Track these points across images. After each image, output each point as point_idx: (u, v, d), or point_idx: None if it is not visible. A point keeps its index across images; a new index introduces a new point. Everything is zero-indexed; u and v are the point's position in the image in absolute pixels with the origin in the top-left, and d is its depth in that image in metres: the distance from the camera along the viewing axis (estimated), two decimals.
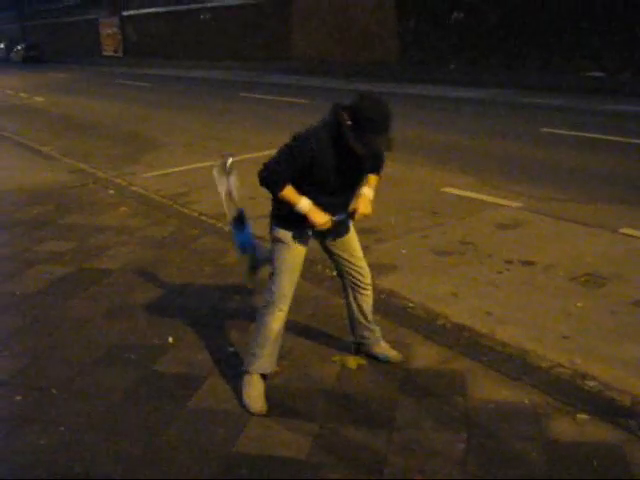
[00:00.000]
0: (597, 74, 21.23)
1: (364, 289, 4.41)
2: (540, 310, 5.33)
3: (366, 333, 4.54)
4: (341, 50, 31.51)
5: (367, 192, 4.14)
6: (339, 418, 3.93)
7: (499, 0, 24.23)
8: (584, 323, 5.09)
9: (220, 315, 5.38)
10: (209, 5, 41.10)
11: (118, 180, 10.23)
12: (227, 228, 4.55)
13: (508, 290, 5.74)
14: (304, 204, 3.85)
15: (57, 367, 4.64)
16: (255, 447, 3.70)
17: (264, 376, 4.18)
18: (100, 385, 4.38)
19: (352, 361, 4.54)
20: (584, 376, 4.29)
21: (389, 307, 5.42)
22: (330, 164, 3.77)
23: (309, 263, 4.53)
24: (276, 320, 4.10)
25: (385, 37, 29.49)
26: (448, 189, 8.93)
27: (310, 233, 4.07)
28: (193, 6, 42.37)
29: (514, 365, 4.45)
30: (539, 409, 3.96)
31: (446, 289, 5.78)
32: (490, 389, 4.18)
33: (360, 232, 7.01)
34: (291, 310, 5.10)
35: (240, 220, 4.68)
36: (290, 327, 5.01)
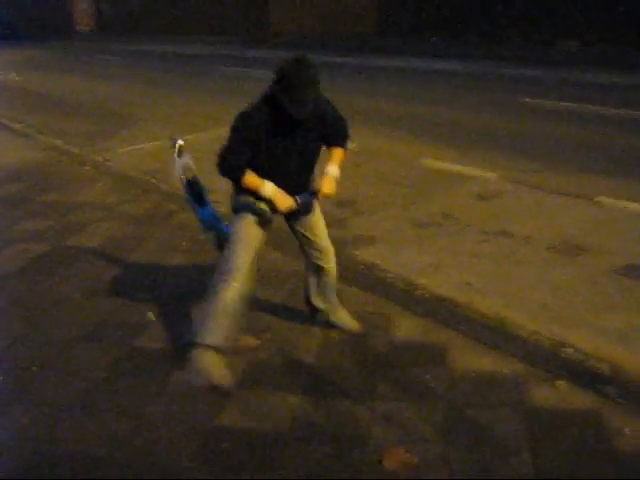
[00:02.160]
0: (572, 44, 21.26)
1: (326, 270, 4.37)
2: (519, 280, 5.36)
3: (318, 308, 4.53)
4: (320, 24, 31.30)
5: (331, 170, 4.06)
6: (320, 391, 3.94)
7: None
8: (563, 292, 5.13)
9: (199, 290, 5.35)
10: None
11: (94, 156, 10.12)
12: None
13: (487, 261, 5.76)
14: (267, 188, 3.86)
15: (38, 346, 4.61)
16: (237, 421, 3.71)
17: (216, 349, 3.94)
18: (81, 363, 4.36)
19: (333, 334, 4.54)
20: (563, 344, 4.33)
21: (368, 279, 5.42)
22: (277, 136, 3.77)
23: (288, 237, 4.51)
24: (230, 290, 3.89)
25: (364, 10, 29.32)
26: (427, 161, 8.92)
27: (271, 213, 4.01)
28: None
29: (493, 334, 4.48)
30: (519, 377, 3.99)
31: (425, 260, 5.79)
32: (470, 359, 4.20)
33: (339, 205, 7.06)
34: (271, 285, 5.11)
35: (200, 197, 4.61)
36: (270, 302, 5.03)
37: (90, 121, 13.53)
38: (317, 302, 4.52)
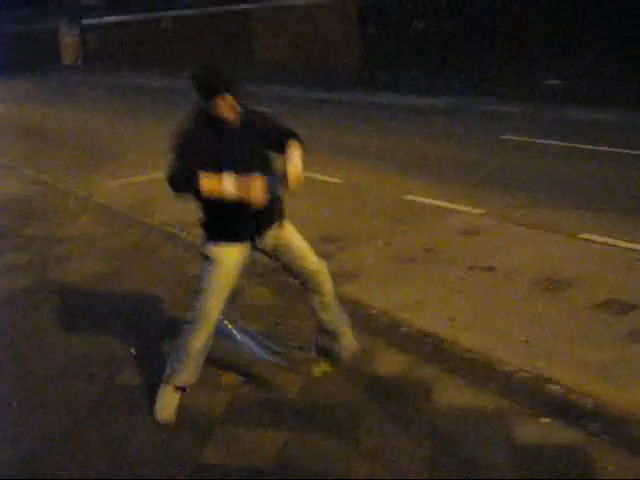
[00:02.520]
0: (554, 82, 21.51)
1: (323, 291, 4.28)
2: (503, 315, 5.38)
3: (332, 326, 4.40)
4: (303, 58, 31.54)
5: (292, 153, 3.85)
6: (305, 426, 3.93)
7: (458, 9, 24.45)
8: (546, 327, 5.14)
9: (182, 325, 5.34)
10: (170, 14, 40.88)
11: (79, 190, 10.11)
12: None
13: (471, 296, 5.78)
14: (228, 182, 3.59)
15: (18, 380, 4.57)
16: (221, 457, 3.68)
17: (183, 389, 4.11)
18: (62, 398, 4.33)
19: (317, 370, 4.53)
20: (547, 380, 4.34)
21: (353, 314, 5.40)
22: (217, 150, 3.72)
23: (271, 272, 4.51)
24: (199, 339, 3.99)
25: (347, 45, 29.58)
26: (410, 196, 8.97)
27: (242, 246, 3.95)
28: (153, 15, 42.11)
29: (478, 370, 4.48)
30: (503, 413, 3.99)
31: (409, 296, 5.80)
32: (454, 394, 4.20)
33: (323, 240, 7.08)
34: (255, 320, 5.10)
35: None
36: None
37: (75, 154, 13.54)
38: (327, 326, 4.38)
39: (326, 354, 4.52)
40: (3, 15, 60.53)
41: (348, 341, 4.48)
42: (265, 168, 3.86)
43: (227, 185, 3.59)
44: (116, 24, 46.30)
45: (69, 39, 53.04)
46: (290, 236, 4.16)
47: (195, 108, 3.87)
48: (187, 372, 4.05)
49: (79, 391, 4.40)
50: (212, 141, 3.75)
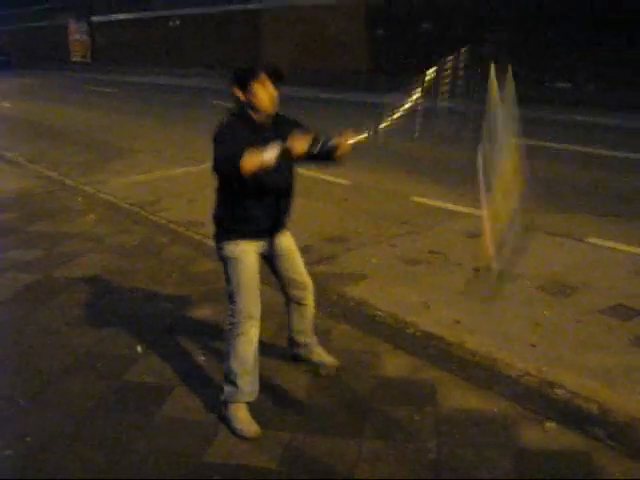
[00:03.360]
0: (563, 85, 21.49)
1: (305, 305, 4.36)
2: (508, 319, 5.37)
3: (301, 344, 4.51)
4: (311, 59, 31.57)
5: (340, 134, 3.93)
6: (308, 428, 3.92)
7: (467, 11, 24.46)
8: (552, 332, 5.14)
9: (189, 323, 5.35)
10: (178, 13, 40.96)
11: (86, 187, 10.13)
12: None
13: (476, 299, 5.77)
14: (271, 149, 3.48)
15: (25, 377, 4.58)
16: (225, 457, 3.68)
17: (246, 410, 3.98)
18: (69, 395, 4.33)
19: (321, 372, 4.53)
20: (552, 384, 4.33)
21: (358, 316, 5.42)
22: (249, 137, 3.67)
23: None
24: (247, 343, 3.93)
25: (355, 47, 29.61)
26: (417, 198, 8.97)
27: (258, 248, 3.99)
28: (162, 13, 42.20)
29: (483, 374, 4.48)
30: (508, 417, 3.98)
31: (415, 298, 5.80)
32: (459, 398, 4.20)
33: (329, 241, 7.08)
34: (263, 319, 5.09)
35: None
36: (259, 337, 5.01)
37: (82, 151, 13.58)
38: (300, 338, 4.50)
39: (308, 362, 4.58)
40: (12, 11, 60.76)
41: (328, 358, 4.55)
42: (291, 172, 3.97)
43: (269, 151, 3.47)
44: (125, 22, 46.40)
45: (78, 36, 53.17)
46: (292, 246, 4.23)
47: (231, 110, 3.88)
48: (250, 385, 3.97)
49: (84, 389, 4.40)
50: (248, 138, 3.67)
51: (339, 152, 3.86)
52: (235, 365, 3.94)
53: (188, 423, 4.00)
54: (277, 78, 3.81)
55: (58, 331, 5.26)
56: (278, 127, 3.85)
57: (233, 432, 3.90)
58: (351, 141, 3.90)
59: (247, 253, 3.95)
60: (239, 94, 3.80)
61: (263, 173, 3.53)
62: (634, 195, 8.92)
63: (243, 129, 3.77)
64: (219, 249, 4.01)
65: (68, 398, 4.29)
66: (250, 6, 34.81)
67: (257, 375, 4.02)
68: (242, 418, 3.93)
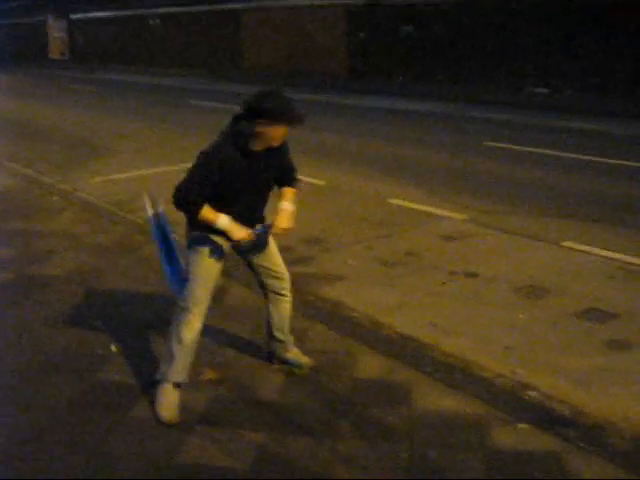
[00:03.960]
0: (541, 90, 21.64)
1: (283, 295, 4.42)
2: (483, 321, 5.40)
3: (280, 340, 4.54)
4: (292, 61, 31.55)
5: (286, 206, 4.19)
6: (282, 428, 3.92)
7: (447, 16, 24.54)
8: (526, 334, 5.17)
9: (165, 323, 5.32)
10: (158, 12, 40.75)
11: (63, 186, 10.05)
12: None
13: (452, 301, 5.80)
14: (223, 221, 3.90)
15: None
16: (197, 457, 3.67)
17: (178, 385, 4.11)
18: (43, 395, 4.30)
19: (296, 371, 4.53)
20: (525, 387, 4.36)
21: (334, 317, 5.43)
22: (238, 172, 3.87)
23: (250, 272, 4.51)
24: (190, 329, 4.06)
25: (335, 50, 29.62)
26: (394, 200, 8.99)
27: (225, 246, 4.08)
28: (142, 11, 41.96)
29: (457, 375, 4.50)
30: (481, 419, 4.00)
31: (391, 299, 5.82)
32: (434, 399, 4.22)
33: (306, 242, 7.08)
34: (236, 320, 5.10)
35: (169, 248, 4.40)
36: (235, 337, 5.02)
37: (60, 149, 13.47)
38: (278, 335, 4.52)
39: (282, 362, 4.61)
40: None
41: (303, 358, 4.61)
42: (265, 198, 4.19)
43: (222, 224, 3.89)
44: (104, 19, 46.08)
45: (57, 33, 52.75)
46: (269, 246, 4.29)
47: (231, 130, 3.92)
48: (182, 366, 4.08)
49: (59, 388, 4.37)
50: (237, 162, 3.87)
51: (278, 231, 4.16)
52: (175, 347, 4.07)
53: (162, 423, 3.98)
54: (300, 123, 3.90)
55: (33, 329, 5.23)
56: (269, 157, 4.01)
57: (155, 414, 4.03)
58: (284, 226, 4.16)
59: (213, 249, 4.05)
60: (247, 122, 3.83)
61: (238, 181, 3.88)
62: (611, 200, 9.00)
63: (236, 158, 3.86)
64: (189, 239, 4.13)
65: (43, 398, 4.26)
66: (230, 5, 34.70)
67: (191, 360, 4.12)
68: (166, 400, 4.06)
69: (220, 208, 3.93)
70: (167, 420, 3.98)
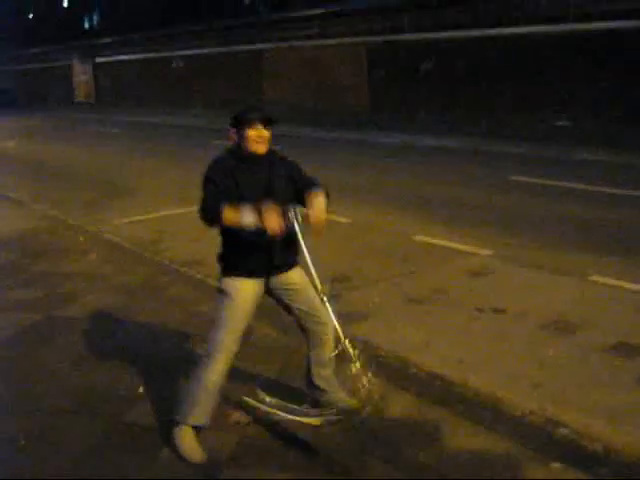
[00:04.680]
0: (564, 123, 21.61)
1: (325, 339, 4.27)
2: (512, 358, 5.35)
3: (323, 384, 4.37)
4: (314, 100, 31.79)
5: (318, 197, 3.95)
6: (312, 470, 3.89)
7: (467, 50, 24.67)
8: (555, 371, 5.11)
9: (190, 364, 5.32)
10: (181, 53, 41.34)
11: (88, 227, 10.15)
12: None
13: (480, 338, 5.76)
14: (247, 213, 3.74)
15: (26, 417, 4.56)
16: None
17: (197, 428, 4.08)
18: (68, 435, 4.31)
19: (325, 412, 4.48)
20: (556, 424, 4.30)
21: (362, 355, 5.39)
22: (242, 176, 3.96)
23: (279, 312, 4.50)
24: (213, 373, 4.01)
25: (357, 88, 29.81)
26: (419, 237, 8.98)
27: (256, 290, 4.04)
28: (165, 54, 42.59)
29: (487, 413, 4.45)
30: (513, 458, 3.95)
31: (418, 337, 5.78)
32: (464, 438, 4.17)
33: (332, 280, 7.06)
34: (263, 361, 5.08)
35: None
36: (262, 377, 4.99)
37: (85, 191, 13.62)
38: (319, 382, 4.36)
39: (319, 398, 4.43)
40: (18, 52, 61.36)
41: (351, 401, 4.32)
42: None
43: (244, 214, 3.75)
44: (129, 62, 46.80)
45: (82, 77, 53.61)
46: (303, 281, 4.21)
47: (229, 147, 4.13)
48: (203, 410, 4.03)
49: (84, 429, 4.37)
50: (237, 170, 3.98)
51: (312, 228, 3.89)
52: (196, 389, 4.05)
53: (190, 465, 3.96)
54: (268, 122, 4.04)
55: (60, 370, 5.25)
56: (271, 164, 4.09)
57: (178, 454, 4.01)
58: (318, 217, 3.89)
59: (242, 292, 4.02)
60: (234, 136, 4.07)
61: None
62: (637, 233, 8.92)
63: (235, 164, 4.01)
64: (220, 283, 4.12)
65: (69, 439, 4.27)
66: (253, 46, 35.15)
67: (212, 408, 4.08)
68: (187, 443, 4.04)
69: (242, 237, 3.89)
70: (197, 461, 3.96)
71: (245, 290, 4.02)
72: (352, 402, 4.43)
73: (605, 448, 4.04)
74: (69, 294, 7.01)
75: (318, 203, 3.91)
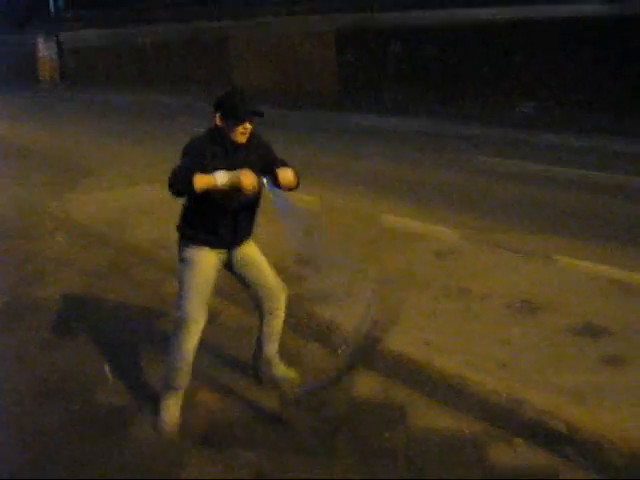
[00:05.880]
0: (528, 107, 21.74)
1: (277, 310, 4.43)
2: (477, 338, 5.38)
3: (267, 358, 4.56)
4: (282, 82, 31.63)
5: (284, 168, 4.11)
6: (279, 447, 3.90)
7: (436, 34, 24.67)
8: (521, 350, 5.16)
9: (158, 343, 5.30)
10: (148, 29, 40.81)
11: (54, 207, 10.01)
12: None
13: (446, 318, 5.79)
14: (221, 175, 3.81)
15: None
16: (196, 477, 3.64)
17: (181, 389, 4.18)
18: (38, 418, 4.28)
19: (292, 390, 4.51)
20: (521, 403, 4.35)
21: (327, 336, 5.41)
22: (220, 162, 3.92)
23: (241, 292, 4.51)
24: (188, 341, 4.10)
25: (325, 70, 29.72)
26: (386, 218, 8.98)
27: (215, 256, 4.12)
28: (132, 30, 42.01)
29: (453, 393, 4.49)
30: (478, 436, 4.00)
31: (384, 318, 5.80)
32: (430, 418, 4.20)
33: (297, 262, 7.05)
34: (232, 341, 5.07)
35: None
36: (231, 357, 4.99)
37: (50, 171, 13.38)
38: (267, 350, 4.53)
39: (271, 380, 4.61)
40: None
41: (290, 372, 4.64)
42: (253, 207, 4.23)
43: (219, 176, 3.80)
44: (94, 39, 46.15)
45: (46, 54, 52.77)
46: (257, 253, 4.37)
47: (210, 127, 4.08)
48: (183, 376, 4.15)
49: (55, 411, 4.35)
50: (217, 153, 3.98)
51: (281, 183, 4.06)
52: (176, 358, 4.13)
53: (158, 443, 3.96)
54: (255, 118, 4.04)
55: (27, 353, 5.20)
56: (250, 150, 4.10)
57: (155, 424, 4.11)
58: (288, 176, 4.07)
59: (205, 258, 4.11)
60: (218, 120, 4.03)
61: (216, 192, 3.84)
62: (601, 214, 9.01)
63: (214, 146, 4.00)
64: (180, 252, 4.18)
65: (39, 421, 4.25)
66: (219, 23, 34.86)
67: (190, 373, 4.18)
68: (169, 411, 4.14)
69: (207, 212, 4.03)
70: (167, 431, 4.03)
71: (206, 257, 4.12)
72: (291, 373, 4.55)
73: (569, 427, 4.09)
74: (35, 276, 6.93)
75: (285, 169, 4.08)
